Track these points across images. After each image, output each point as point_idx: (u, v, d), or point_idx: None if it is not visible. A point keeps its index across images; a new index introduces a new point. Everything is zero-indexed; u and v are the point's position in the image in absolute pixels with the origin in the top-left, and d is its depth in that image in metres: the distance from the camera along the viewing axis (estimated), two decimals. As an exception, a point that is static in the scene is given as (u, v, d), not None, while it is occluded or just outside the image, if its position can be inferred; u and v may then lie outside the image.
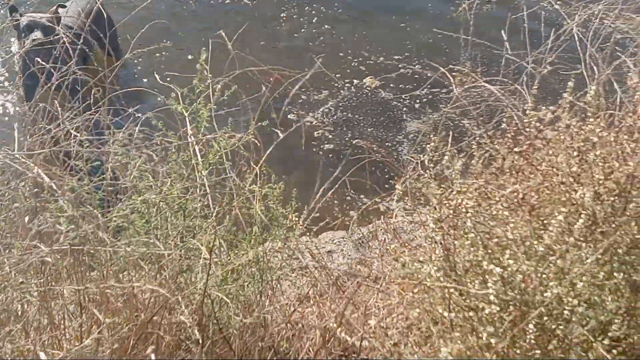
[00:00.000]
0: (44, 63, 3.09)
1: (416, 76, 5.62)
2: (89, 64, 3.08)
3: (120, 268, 2.48)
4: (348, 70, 5.87)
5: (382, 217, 3.23)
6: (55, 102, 2.91)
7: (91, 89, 3.00)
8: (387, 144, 5.16)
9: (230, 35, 3.16)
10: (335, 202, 3.44)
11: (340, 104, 5.54)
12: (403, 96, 5.55)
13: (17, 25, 4.79)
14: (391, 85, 5.70)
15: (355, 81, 5.75)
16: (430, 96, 5.52)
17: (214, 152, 2.77)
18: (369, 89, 5.68)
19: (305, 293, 2.83)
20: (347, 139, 5.19)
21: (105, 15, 3.22)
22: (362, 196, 4.41)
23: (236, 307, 2.48)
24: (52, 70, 2.94)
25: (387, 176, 4.56)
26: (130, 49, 2.99)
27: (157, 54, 5.24)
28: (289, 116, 5.16)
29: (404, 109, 5.50)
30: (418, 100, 5.52)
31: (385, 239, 3.07)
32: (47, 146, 2.76)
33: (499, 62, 3.47)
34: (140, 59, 3.18)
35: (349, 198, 4.39)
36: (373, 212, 3.36)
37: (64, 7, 5.06)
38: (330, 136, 5.18)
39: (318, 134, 5.20)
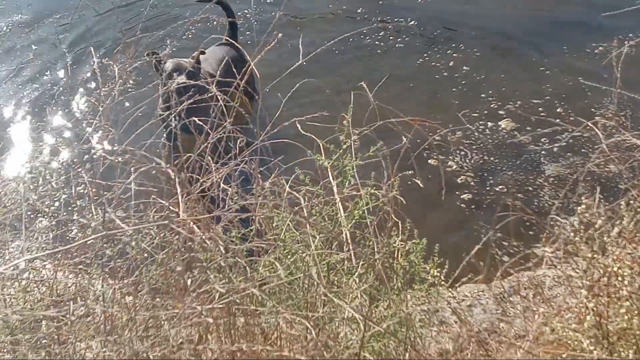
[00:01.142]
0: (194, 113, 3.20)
1: (557, 120, 5.49)
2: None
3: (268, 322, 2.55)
4: (486, 112, 5.82)
5: (524, 271, 3.18)
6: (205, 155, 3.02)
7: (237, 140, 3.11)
8: (527, 187, 5.07)
9: (370, 83, 3.21)
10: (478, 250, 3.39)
11: (474, 146, 5.48)
12: (542, 140, 5.43)
13: (162, 70, 5.00)
14: (527, 128, 5.59)
15: (490, 123, 5.68)
16: (570, 140, 5.37)
17: (358, 208, 2.82)
18: (504, 131, 5.60)
19: (447, 349, 2.82)
20: (488, 185, 5.12)
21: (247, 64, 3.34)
22: (504, 243, 4.31)
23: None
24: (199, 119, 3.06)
25: (527, 223, 4.45)
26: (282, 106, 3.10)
27: (298, 105, 5.30)
28: (428, 161, 5.15)
29: (542, 152, 5.36)
30: (557, 144, 5.39)
31: (527, 294, 3.02)
32: (196, 197, 2.87)
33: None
34: (283, 108, 3.26)
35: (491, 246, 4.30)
36: (515, 263, 3.30)
37: (205, 53, 5.27)
38: (472, 183, 5.14)
39: (461, 180, 5.18)
